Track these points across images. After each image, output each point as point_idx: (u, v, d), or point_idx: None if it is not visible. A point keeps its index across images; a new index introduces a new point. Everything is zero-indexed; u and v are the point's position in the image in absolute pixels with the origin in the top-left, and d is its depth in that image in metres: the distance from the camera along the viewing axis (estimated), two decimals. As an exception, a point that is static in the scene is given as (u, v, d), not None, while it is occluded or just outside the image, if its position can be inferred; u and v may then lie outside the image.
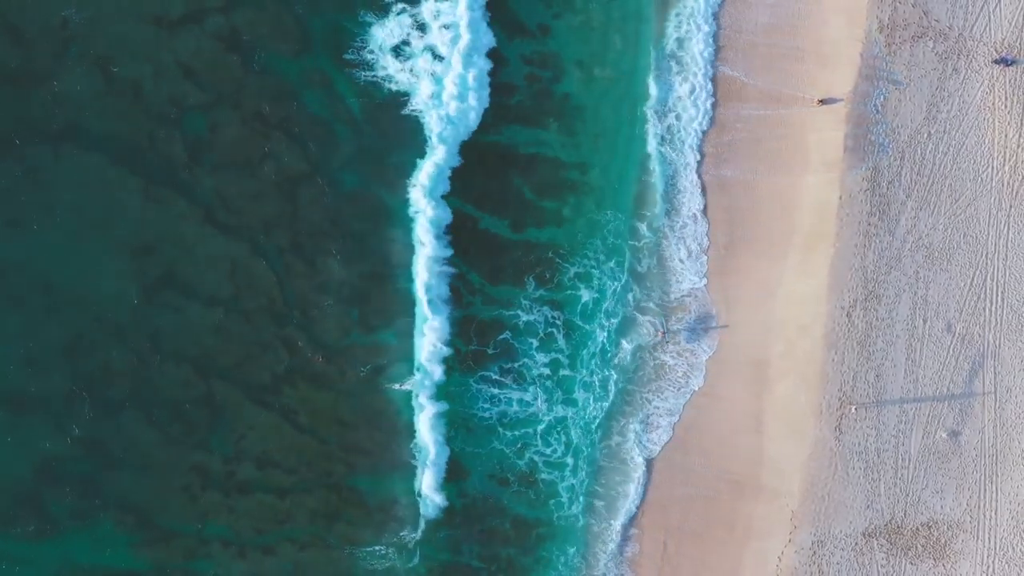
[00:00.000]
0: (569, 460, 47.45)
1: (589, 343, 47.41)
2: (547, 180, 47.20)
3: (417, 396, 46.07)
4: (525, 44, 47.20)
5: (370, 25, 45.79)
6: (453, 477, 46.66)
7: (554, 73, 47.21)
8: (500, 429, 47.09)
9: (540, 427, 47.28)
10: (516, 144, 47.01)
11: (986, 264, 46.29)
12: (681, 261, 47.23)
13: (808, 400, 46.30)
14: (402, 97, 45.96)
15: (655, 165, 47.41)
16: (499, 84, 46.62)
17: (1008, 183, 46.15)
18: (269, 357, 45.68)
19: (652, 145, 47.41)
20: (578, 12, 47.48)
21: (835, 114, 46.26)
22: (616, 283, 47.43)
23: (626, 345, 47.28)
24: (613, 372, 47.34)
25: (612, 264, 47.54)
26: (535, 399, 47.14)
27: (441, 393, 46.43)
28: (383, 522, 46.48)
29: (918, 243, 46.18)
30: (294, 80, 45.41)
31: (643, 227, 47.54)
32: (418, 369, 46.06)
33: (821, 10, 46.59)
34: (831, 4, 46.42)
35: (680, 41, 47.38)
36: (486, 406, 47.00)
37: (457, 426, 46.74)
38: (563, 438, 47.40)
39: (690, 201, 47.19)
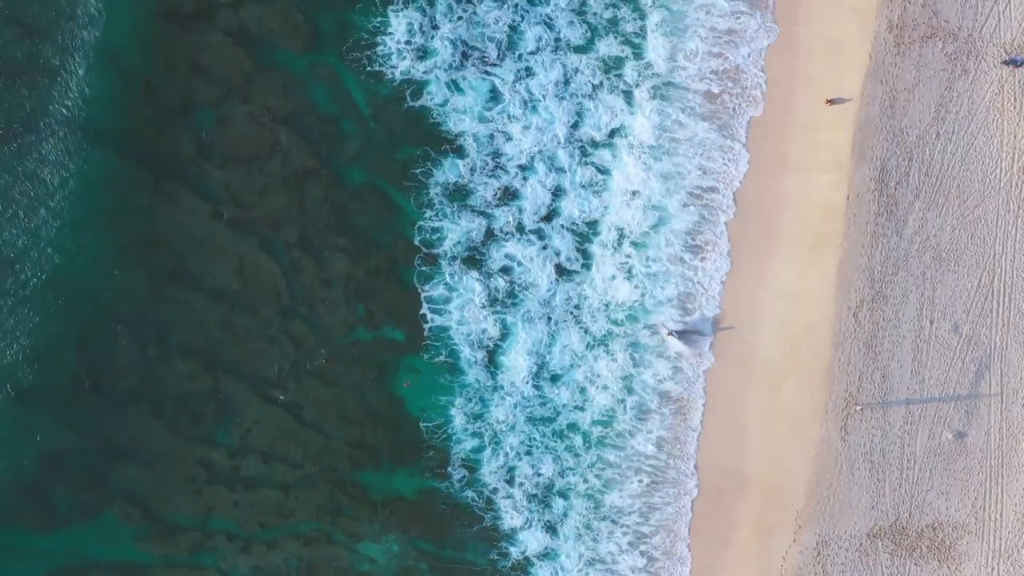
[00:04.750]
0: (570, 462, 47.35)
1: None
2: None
3: None
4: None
5: (380, 20, 45.75)
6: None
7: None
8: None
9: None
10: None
11: (994, 266, 46.17)
12: (685, 261, 47.18)
13: (813, 400, 46.24)
14: (411, 93, 45.95)
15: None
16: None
17: (1017, 184, 46.00)
18: (275, 352, 45.77)
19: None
20: None
21: (843, 114, 46.16)
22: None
23: (628, 344, 47.20)
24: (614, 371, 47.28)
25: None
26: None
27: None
28: (387, 518, 46.52)
29: (925, 244, 46.08)
30: (302, 75, 45.45)
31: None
32: None
33: (830, 9, 46.46)
34: (840, 3, 46.30)
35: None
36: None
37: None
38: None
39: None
